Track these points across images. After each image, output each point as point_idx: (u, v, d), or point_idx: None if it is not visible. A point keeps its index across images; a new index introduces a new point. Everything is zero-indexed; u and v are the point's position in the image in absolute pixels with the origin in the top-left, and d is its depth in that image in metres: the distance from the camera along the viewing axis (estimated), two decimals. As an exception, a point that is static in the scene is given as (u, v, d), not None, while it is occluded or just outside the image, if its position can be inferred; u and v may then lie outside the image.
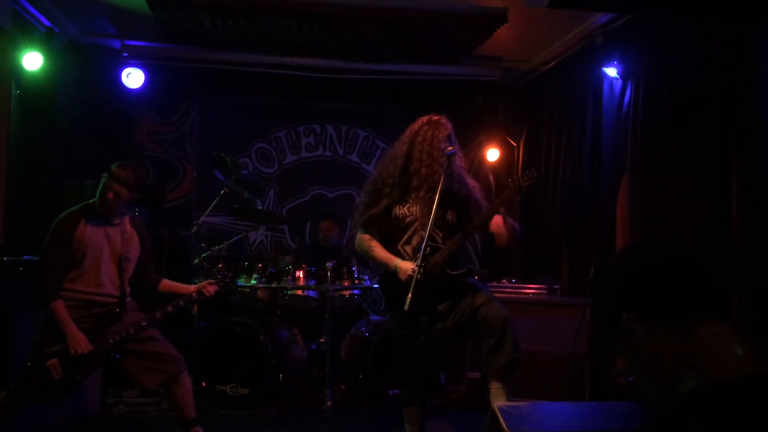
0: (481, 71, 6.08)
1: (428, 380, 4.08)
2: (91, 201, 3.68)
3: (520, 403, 2.37)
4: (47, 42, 5.08)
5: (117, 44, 5.73)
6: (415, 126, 3.59)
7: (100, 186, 3.62)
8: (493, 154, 6.47)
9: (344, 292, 5.17)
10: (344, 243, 6.22)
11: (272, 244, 6.67)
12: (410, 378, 3.48)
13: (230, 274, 4.08)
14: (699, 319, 1.16)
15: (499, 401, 3.26)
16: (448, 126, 3.54)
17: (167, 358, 3.62)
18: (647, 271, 1.21)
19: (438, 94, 6.35)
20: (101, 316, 3.58)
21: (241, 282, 5.11)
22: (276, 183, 6.69)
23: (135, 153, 6.30)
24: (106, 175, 3.62)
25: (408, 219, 3.50)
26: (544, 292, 5.03)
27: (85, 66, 5.73)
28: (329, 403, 4.65)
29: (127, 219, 3.78)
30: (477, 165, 6.57)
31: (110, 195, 3.58)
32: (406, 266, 3.37)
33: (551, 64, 5.64)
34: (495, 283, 5.23)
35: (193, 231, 5.18)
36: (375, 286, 5.07)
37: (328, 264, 4.84)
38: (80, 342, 3.44)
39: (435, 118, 3.56)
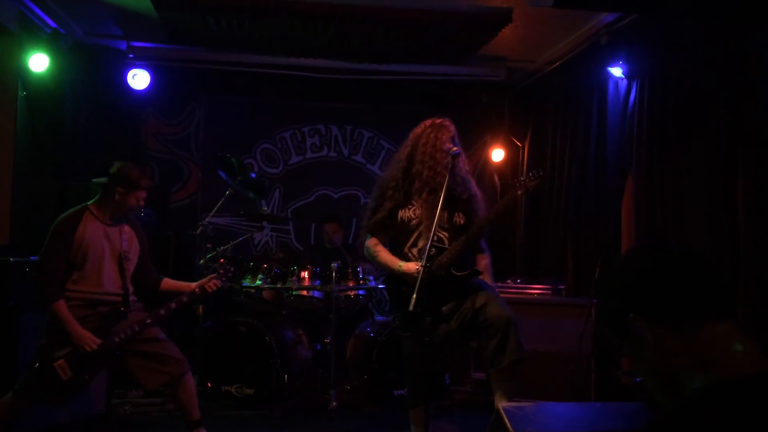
0: (485, 71, 6.07)
1: (433, 381, 4.08)
2: (90, 202, 3.70)
3: (525, 404, 2.36)
4: (53, 43, 5.09)
5: (122, 45, 5.75)
6: (418, 129, 3.60)
7: (120, 199, 3.64)
8: (497, 155, 6.46)
9: (349, 293, 5.17)
10: (349, 242, 6.23)
11: (278, 245, 6.67)
12: (415, 379, 3.48)
13: (232, 269, 4.09)
14: (705, 318, 1.16)
15: (503, 402, 3.25)
16: (451, 128, 3.55)
17: (171, 359, 3.63)
18: (653, 271, 1.21)
19: (442, 94, 6.35)
20: (106, 315, 3.59)
21: (246, 282, 5.12)
22: (281, 183, 6.70)
23: (140, 154, 6.32)
24: (118, 179, 3.64)
25: (413, 222, 3.50)
26: (549, 292, 5.02)
27: (90, 67, 5.75)
28: (334, 403, 4.65)
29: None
30: (482, 165, 6.56)
31: (134, 201, 3.66)
32: (411, 267, 3.37)
33: (556, 64, 5.63)
34: (500, 284, 5.22)
35: (198, 231, 5.18)
36: (380, 286, 5.08)
37: (333, 264, 4.84)
38: (87, 339, 3.45)
39: (438, 121, 3.56)
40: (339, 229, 5.89)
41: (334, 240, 5.85)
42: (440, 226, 3.42)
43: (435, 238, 3.25)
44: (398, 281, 3.48)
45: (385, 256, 3.53)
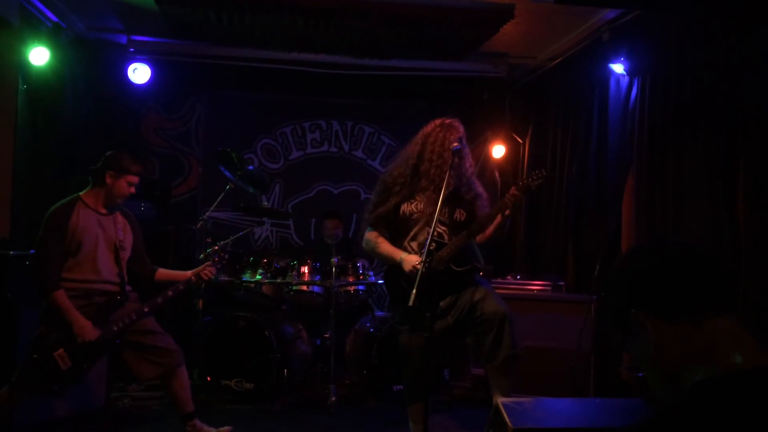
0: (487, 67, 6.06)
1: (431, 377, 4.09)
2: (82, 192, 3.71)
3: (524, 399, 2.37)
4: (54, 37, 5.09)
5: (123, 39, 5.74)
6: (428, 128, 3.63)
7: (112, 184, 3.64)
8: (498, 151, 6.45)
9: (349, 288, 5.17)
10: (350, 237, 6.23)
11: (278, 240, 6.68)
12: (414, 375, 3.49)
13: (226, 256, 4.11)
14: (706, 313, 1.17)
15: (501, 397, 3.26)
16: (460, 129, 3.58)
17: (165, 351, 3.65)
18: (655, 267, 1.22)
19: (444, 90, 6.34)
20: (103, 304, 3.60)
21: (246, 277, 5.13)
22: (281, 178, 6.69)
23: (141, 148, 6.31)
24: (110, 167, 3.64)
25: (415, 216, 3.52)
26: (549, 288, 5.02)
27: (91, 61, 5.74)
28: (333, 398, 4.66)
29: (118, 210, 3.82)
30: (483, 161, 6.56)
31: (125, 186, 3.68)
32: (412, 259, 3.39)
33: (558, 61, 5.62)
34: (500, 280, 5.23)
35: (198, 226, 5.18)
36: (380, 282, 5.08)
37: (333, 260, 4.85)
38: (87, 329, 3.46)
39: (447, 121, 3.59)
40: (340, 224, 5.89)
41: (335, 235, 5.85)
42: (440, 222, 3.44)
43: (435, 233, 3.26)
44: (397, 275, 3.49)
45: (386, 247, 3.56)
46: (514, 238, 6.47)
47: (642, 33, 4.56)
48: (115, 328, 3.56)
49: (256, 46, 5.71)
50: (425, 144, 3.57)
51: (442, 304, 3.46)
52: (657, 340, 1.19)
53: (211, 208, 5.20)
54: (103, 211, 3.71)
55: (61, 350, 3.45)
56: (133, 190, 3.74)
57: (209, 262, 3.92)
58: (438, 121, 3.62)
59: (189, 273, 3.85)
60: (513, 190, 3.43)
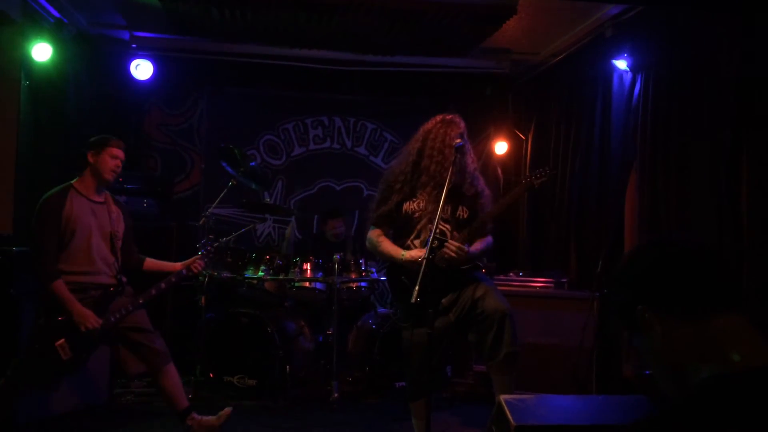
0: (489, 63, 6.05)
1: (433, 373, 4.08)
2: (74, 180, 3.70)
3: (526, 396, 2.36)
4: (56, 33, 5.08)
5: (126, 35, 5.73)
6: (429, 124, 3.61)
7: (96, 163, 3.64)
8: (501, 147, 6.44)
9: (351, 285, 5.17)
10: (352, 234, 6.23)
11: (280, 236, 6.67)
12: (416, 372, 3.49)
13: (215, 245, 4.12)
14: (713, 310, 1.17)
15: (503, 394, 3.26)
16: (461, 125, 3.56)
17: (152, 351, 3.66)
18: (662, 263, 1.22)
19: (446, 86, 6.33)
20: (99, 297, 3.61)
21: (249, 274, 5.13)
22: (284, 175, 6.69)
23: (143, 144, 6.32)
24: (90, 148, 3.66)
25: (417, 214, 3.51)
26: (552, 285, 5.02)
27: (94, 57, 5.74)
28: (336, 394, 4.67)
29: (110, 198, 3.82)
30: (485, 158, 6.55)
31: (109, 160, 3.66)
32: (414, 254, 3.38)
33: (561, 57, 5.60)
34: (502, 276, 5.23)
35: (200, 222, 5.18)
36: (382, 278, 5.07)
37: (336, 256, 4.84)
38: (88, 318, 3.47)
39: (449, 117, 3.58)
40: (344, 223, 5.89)
41: (339, 234, 5.84)
42: (443, 219, 3.43)
43: (437, 230, 3.25)
44: (399, 272, 3.49)
45: (387, 246, 3.55)
46: (517, 235, 6.46)
47: (645, 29, 4.54)
48: (113, 319, 3.58)
49: (258, 42, 5.71)
50: (426, 140, 3.55)
51: (443, 301, 3.45)
52: (663, 338, 1.18)
53: (214, 205, 5.20)
54: (96, 198, 3.70)
55: (62, 340, 3.45)
56: (118, 164, 3.69)
57: (198, 256, 3.96)
58: (439, 117, 3.60)
59: (179, 265, 3.90)
60: (516, 189, 3.42)
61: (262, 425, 4.29)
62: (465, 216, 3.55)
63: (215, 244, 4.11)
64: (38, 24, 4.95)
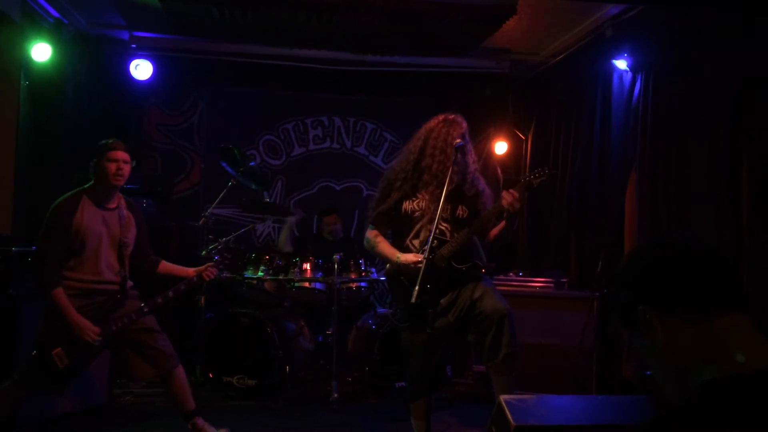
0: (489, 63, 6.05)
1: (433, 373, 4.08)
2: (86, 186, 3.64)
3: (526, 396, 2.36)
4: (56, 33, 5.08)
5: (125, 35, 5.73)
6: (431, 124, 3.60)
7: (99, 170, 3.60)
8: (501, 147, 6.44)
9: (351, 285, 5.17)
10: (351, 235, 6.23)
11: (279, 234, 6.66)
12: (416, 372, 3.49)
13: (229, 256, 4.07)
14: (716, 311, 1.15)
15: (503, 394, 3.26)
16: (463, 125, 3.55)
17: (161, 355, 3.61)
18: (663, 263, 1.20)
19: (446, 86, 6.33)
20: (103, 303, 3.58)
21: (248, 274, 5.12)
22: (283, 175, 6.69)
23: (143, 144, 6.31)
24: (93, 156, 3.61)
25: (416, 213, 3.50)
26: (552, 285, 5.01)
27: (93, 57, 5.73)
28: (336, 394, 4.66)
29: (123, 203, 3.75)
30: (485, 158, 6.54)
31: (112, 164, 3.56)
32: (409, 258, 3.38)
33: (560, 57, 5.60)
34: (502, 277, 5.22)
35: (200, 222, 5.18)
36: (382, 278, 5.07)
37: (336, 256, 4.84)
38: (86, 329, 3.43)
39: (451, 116, 3.57)
40: (338, 220, 5.89)
41: (335, 231, 5.85)
42: (443, 219, 3.42)
43: (437, 230, 3.24)
44: (398, 273, 3.48)
45: (384, 247, 3.54)
46: (517, 235, 6.46)
47: (645, 29, 4.54)
48: (114, 328, 3.53)
49: (258, 42, 5.70)
50: (427, 139, 3.54)
51: (442, 301, 3.44)
52: (665, 339, 1.17)
53: (213, 205, 5.19)
54: (108, 205, 3.65)
55: (59, 349, 3.42)
56: (122, 166, 3.57)
57: (212, 263, 3.87)
58: (441, 117, 3.60)
59: (191, 271, 3.81)
60: (512, 190, 3.40)
61: (262, 425, 4.29)
62: (465, 216, 3.54)
63: (228, 255, 4.03)
64: (37, 24, 4.94)
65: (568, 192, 5.58)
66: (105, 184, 3.60)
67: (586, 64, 5.32)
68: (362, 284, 5.24)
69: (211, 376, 4.92)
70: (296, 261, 5.12)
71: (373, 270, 5.19)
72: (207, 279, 3.80)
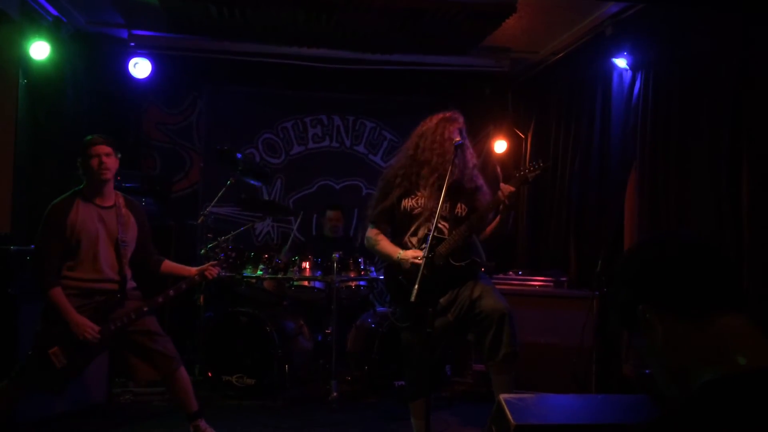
0: (489, 62, 6.03)
1: (433, 373, 4.07)
2: (81, 186, 3.63)
3: (526, 395, 2.35)
4: (54, 31, 5.07)
5: (124, 34, 5.72)
6: (428, 121, 3.62)
7: (84, 167, 3.58)
8: (500, 146, 6.43)
9: (350, 284, 5.16)
10: (351, 234, 6.22)
11: (279, 235, 6.67)
12: (416, 371, 3.48)
13: (234, 255, 4.05)
14: (716, 310, 1.14)
15: (502, 393, 3.25)
16: (459, 120, 3.58)
17: (163, 356, 3.60)
18: (665, 262, 1.19)
19: (446, 84, 6.32)
20: (102, 303, 3.57)
21: (248, 273, 5.12)
22: (283, 174, 6.68)
23: (142, 143, 6.31)
24: (78, 155, 3.60)
25: (416, 211, 3.51)
26: (551, 284, 5.01)
27: (92, 56, 5.73)
28: (335, 394, 4.66)
29: (122, 201, 3.73)
30: (484, 156, 6.54)
31: (95, 161, 3.54)
32: (408, 255, 3.37)
33: (560, 55, 5.59)
34: (502, 275, 5.22)
35: (199, 221, 5.17)
36: (381, 277, 5.06)
37: (335, 255, 4.83)
38: (85, 327, 3.42)
39: (448, 114, 3.59)
40: (342, 217, 5.88)
41: (336, 228, 5.84)
42: (441, 216, 3.42)
43: (436, 228, 3.24)
44: (396, 272, 3.48)
45: (385, 245, 3.54)
46: (516, 234, 6.45)
47: (645, 27, 4.53)
48: (113, 327, 3.52)
49: (257, 40, 5.69)
50: (425, 135, 3.55)
51: (442, 300, 3.44)
52: (665, 338, 1.16)
53: (212, 204, 5.19)
54: (103, 203, 3.63)
55: (56, 348, 3.41)
56: (104, 159, 3.54)
57: (214, 262, 3.87)
58: (439, 115, 3.61)
59: (194, 270, 3.80)
60: (507, 185, 3.41)
61: (261, 425, 4.28)
62: (464, 213, 3.53)
63: (232, 254, 4.02)
64: (36, 22, 4.93)
65: (567, 191, 5.57)
66: (94, 180, 3.59)
67: (586, 62, 5.32)
68: (361, 283, 5.23)
69: (210, 375, 4.91)
70: (295, 260, 5.11)
71: (372, 269, 5.19)
72: (209, 278, 3.80)
